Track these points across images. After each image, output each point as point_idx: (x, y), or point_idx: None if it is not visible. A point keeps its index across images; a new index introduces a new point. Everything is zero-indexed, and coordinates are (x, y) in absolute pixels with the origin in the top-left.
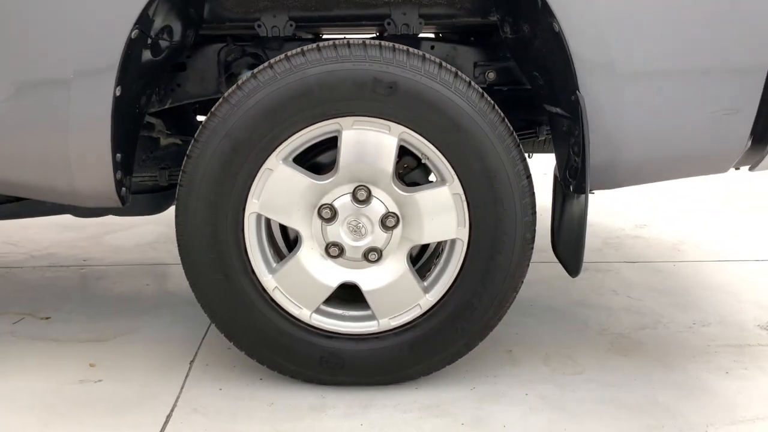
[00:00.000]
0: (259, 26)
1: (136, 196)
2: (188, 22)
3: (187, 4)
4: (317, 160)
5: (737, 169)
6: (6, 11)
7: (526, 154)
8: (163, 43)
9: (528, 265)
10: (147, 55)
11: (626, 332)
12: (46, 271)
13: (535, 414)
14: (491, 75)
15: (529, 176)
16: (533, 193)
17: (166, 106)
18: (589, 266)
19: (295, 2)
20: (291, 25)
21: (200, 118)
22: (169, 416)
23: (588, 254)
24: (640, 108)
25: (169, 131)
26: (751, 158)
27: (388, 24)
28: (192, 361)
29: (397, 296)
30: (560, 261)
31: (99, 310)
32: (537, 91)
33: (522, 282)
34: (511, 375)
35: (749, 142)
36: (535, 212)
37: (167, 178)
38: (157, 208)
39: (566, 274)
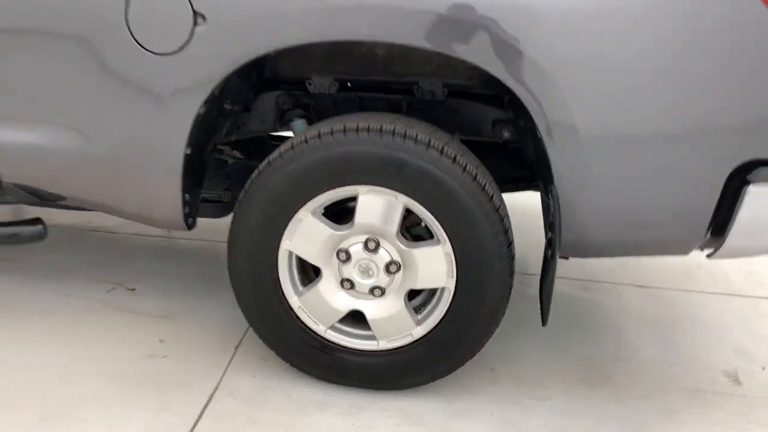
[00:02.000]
0: (309, 84)
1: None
2: (251, 86)
3: (249, 74)
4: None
5: (702, 251)
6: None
7: None
8: (228, 108)
9: (504, 312)
10: (214, 118)
11: (601, 362)
12: (136, 239)
13: None
14: (506, 133)
15: (509, 245)
16: (513, 258)
17: (232, 140)
18: (593, 286)
19: (340, 69)
20: (334, 86)
21: None
22: (211, 396)
23: (598, 272)
24: (607, 204)
25: (240, 154)
26: (710, 246)
27: (417, 90)
28: (237, 347)
29: (394, 325)
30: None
31: (172, 286)
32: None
33: (501, 320)
34: (487, 393)
35: (708, 234)
36: (512, 276)
37: (230, 198)
38: (221, 214)
39: (565, 296)
